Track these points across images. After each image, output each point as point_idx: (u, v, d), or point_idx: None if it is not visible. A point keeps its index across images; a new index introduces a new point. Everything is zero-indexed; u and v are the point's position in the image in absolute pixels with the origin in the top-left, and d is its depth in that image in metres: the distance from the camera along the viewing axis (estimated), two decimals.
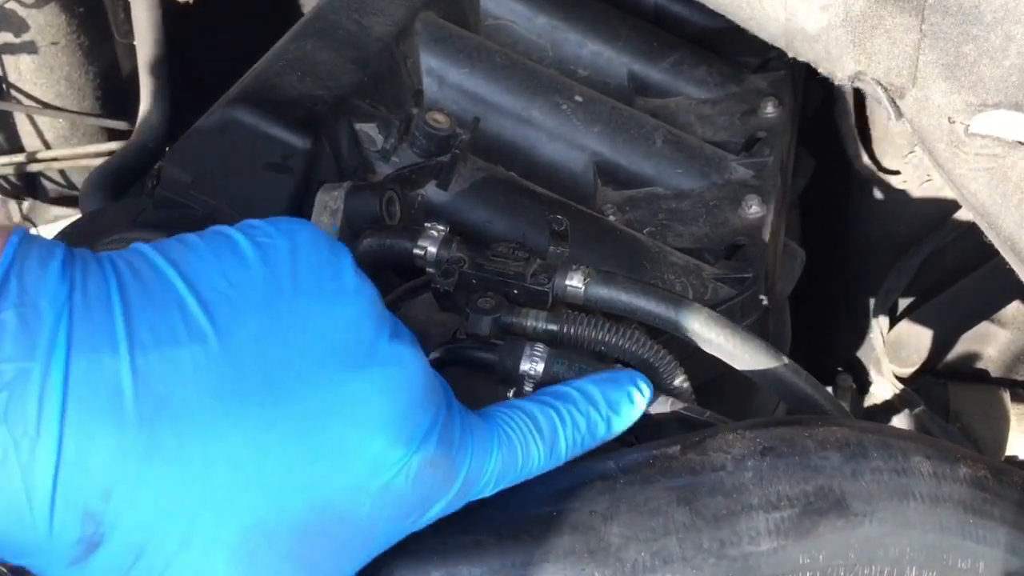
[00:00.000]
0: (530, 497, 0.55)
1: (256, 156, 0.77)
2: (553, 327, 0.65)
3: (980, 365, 1.35)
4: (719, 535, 0.53)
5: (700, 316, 0.66)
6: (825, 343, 1.36)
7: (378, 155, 0.81)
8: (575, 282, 0.66)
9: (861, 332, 1.29)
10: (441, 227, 0.70)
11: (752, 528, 0.53)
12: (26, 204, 1.59)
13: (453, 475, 0.49)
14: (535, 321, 0.65)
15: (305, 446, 0.44)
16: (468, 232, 0.80)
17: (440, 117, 0.81)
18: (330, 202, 0.74)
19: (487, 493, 0.53)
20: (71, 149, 1.46)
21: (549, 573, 0.52)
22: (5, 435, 0.38)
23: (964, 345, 1.33)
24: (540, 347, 0.63)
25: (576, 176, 0.94)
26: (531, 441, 0.53)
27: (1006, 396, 1.29)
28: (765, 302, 0.81)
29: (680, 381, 0.65)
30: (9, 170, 1.45)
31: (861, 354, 1.33)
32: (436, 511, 0.50)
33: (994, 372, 1.34)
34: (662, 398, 0.63)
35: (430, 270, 0.69)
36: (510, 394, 0.63)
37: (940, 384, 1.33)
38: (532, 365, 0.62)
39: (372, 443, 0.46)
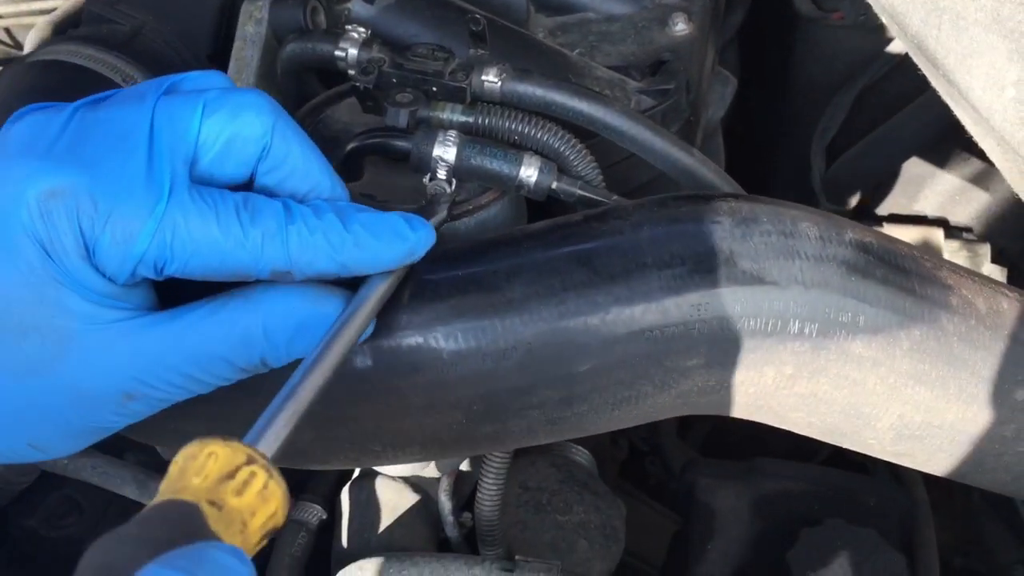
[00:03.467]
0: (444, 263, 0.59)
1: None
2: (468, 119, 0.67)
3: (918, 207, 1.38)
4: (615, 291, 0.57)
5: (612, 109, 0.69)
6: (767, 185, 1.39)
7: None
8: (491, 77, 0.68)
9: (802, 172, 1.32)
10: (362, 30, 0.71)
11: (645, 284, 0.57)
12: None
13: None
14: (451, 114, 0.67)
15: None
16: (397, 46, 0.81)
17: None
18: (254, 11, 0.75)
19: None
20: (15, 6, 1.44)
21: (459, 328, 0.56)
22: None
23: (902, 187, 1.36)
24: (453, 134, 0.65)
25: (509, 2, 0.95)
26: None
27: (939, 233, 1.33)
28: (687, 113, 0.83)
29: (590, 168, 0.68)
30: None
31: (802, 195, 1.37)
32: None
33: (931, 213, 1.38)
34: (570, 180, 0.66)
35: (352, 72, 0.71)
36: (425, 180, 0.65)
37: (877, 224, 1.37)
38: (444, 150, 0.64)
39: None
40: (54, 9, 1.41)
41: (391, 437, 0.58)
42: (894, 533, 0.98)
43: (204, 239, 0.49)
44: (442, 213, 0.62)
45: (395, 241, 0.54)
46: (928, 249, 1.35)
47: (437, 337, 0.56)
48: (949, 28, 0.72)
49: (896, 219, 1.38)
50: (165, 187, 0.49)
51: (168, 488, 0.42)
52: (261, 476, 0.42)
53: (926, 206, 1.37)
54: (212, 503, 0.41)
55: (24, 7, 1.44)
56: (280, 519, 0.44)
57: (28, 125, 0.51)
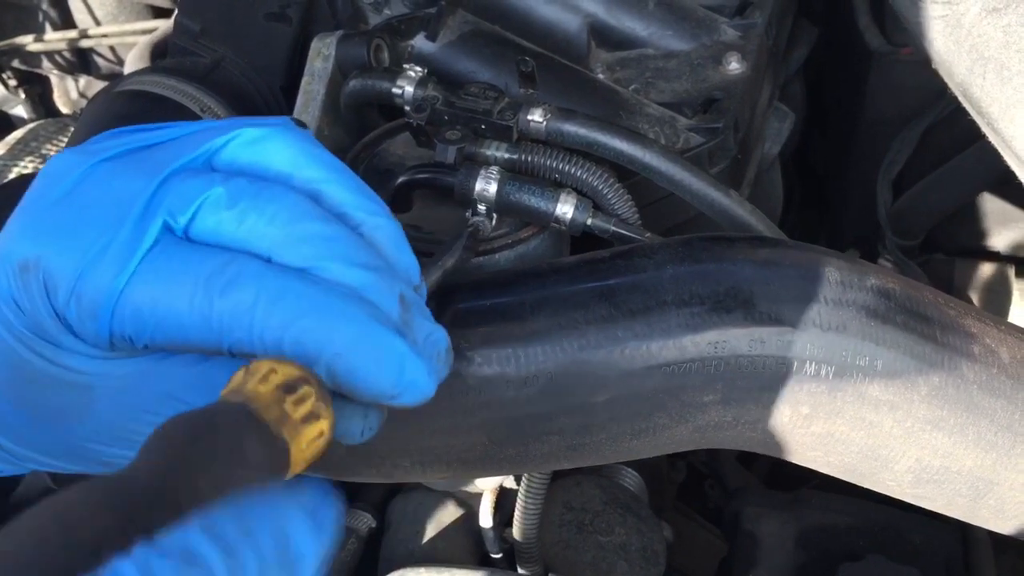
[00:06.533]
0: (473, 293, 0.63)
1: (257, 6, 0.84)
2: (512, 156, 0.71)
3: (990, 243, 1.36)
4: (634, 327, 0.60)
5: (650, 150, 0.72)
6: (835, 217, 1.39)
7: (370, 7, 0.87)
8: (536, 117, 0.72)
9: (869, 205, 1.32)
10: (419, 69, 0.76)
11: (664, 321, 0.60)
12: (82, 81, 1.69)
13: None
14: (496, 151, 0.71)
15: None
16: (455, 82, 0.86)
17: None
18: (323, 48, 0.80)
19: None
20: (119, 26, 1.54)
21: (483, 354, 0.60)
22: None
23: (974, 223, 1.34)
24: (495, 170, 0.69)
25: (570, 37, 0.98)
26: None
27: (1011, 271, 1.31)
28: (734, 151, 0.86)
29: (626, 206, 0.71)
30: (62, 46, 1.54)
31: (869, 228, 1.36)
32: None
33: (1004, 250, 1.36)
34: (605, 217, 0.69)
35: (407, 109, 0.75)
36: (468, 214, 0.69)
37: (947, 260, 1.35)
38: (486, 186, 0.68)
39: None
40: (154, 29, 1.51)
41: (418, 455, 0.62)
42: (938, 573, 0.98)
43: (168, 313, 0.44)
44: (436, 275, 0.62)
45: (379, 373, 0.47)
46: (998, 286, 1.33)
47: (464, 363, 0.60)
48: (994, 78, 0.73)
49: (966, 254, 1.36)
50: (132, 262, 0.44)
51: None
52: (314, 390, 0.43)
53: (998, 242, 1.35)
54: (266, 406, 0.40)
55: (128, 27, 1.54)
56: (327, 439, 0.44)
57: (48, 176, 0.48)
